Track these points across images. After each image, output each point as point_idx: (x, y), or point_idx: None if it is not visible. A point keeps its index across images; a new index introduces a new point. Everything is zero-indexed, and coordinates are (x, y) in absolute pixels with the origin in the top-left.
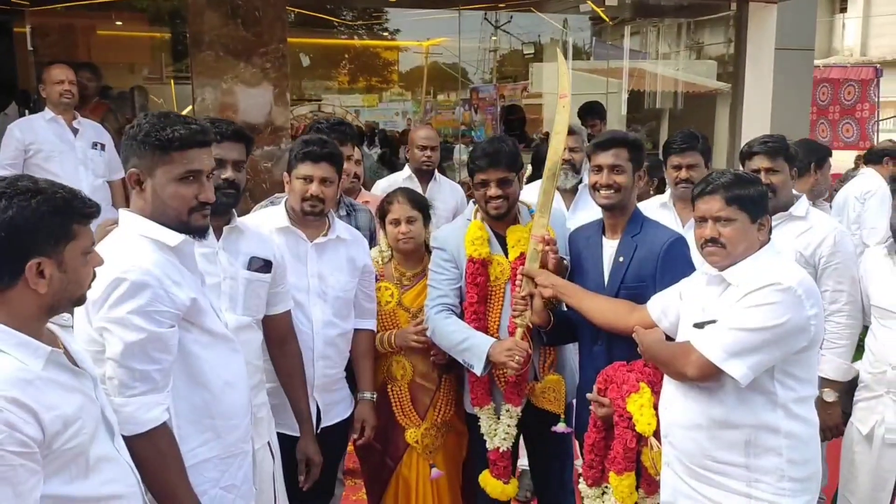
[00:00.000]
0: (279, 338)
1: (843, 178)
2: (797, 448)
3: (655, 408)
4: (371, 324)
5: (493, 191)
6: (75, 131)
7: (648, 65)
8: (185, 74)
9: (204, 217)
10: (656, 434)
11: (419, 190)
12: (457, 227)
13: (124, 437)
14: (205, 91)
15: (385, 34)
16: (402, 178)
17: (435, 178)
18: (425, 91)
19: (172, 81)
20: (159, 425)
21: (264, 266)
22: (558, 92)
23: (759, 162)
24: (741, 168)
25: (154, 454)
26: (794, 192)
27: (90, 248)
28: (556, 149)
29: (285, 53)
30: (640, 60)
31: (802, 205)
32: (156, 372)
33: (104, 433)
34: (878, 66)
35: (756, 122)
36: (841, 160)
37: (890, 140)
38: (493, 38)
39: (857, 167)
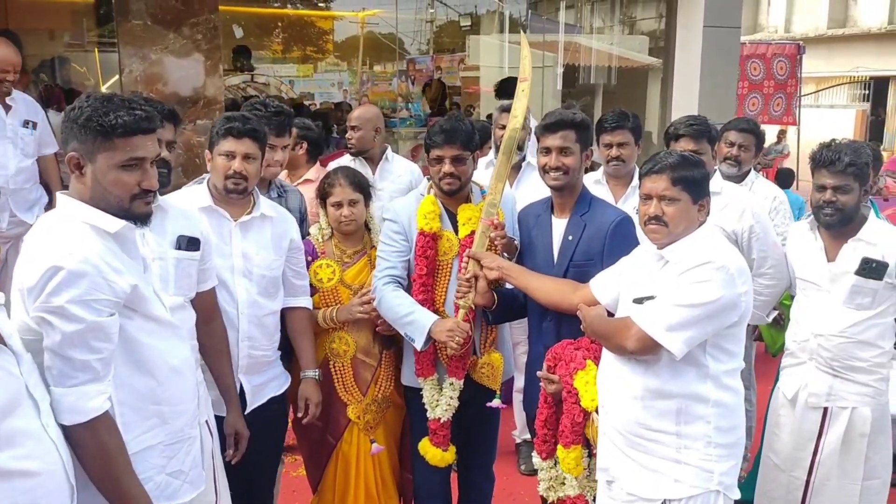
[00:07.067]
0: (206, 315)
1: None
2: (724, 416)
3: None
4: (305, 301)
5: (447, 167)
6: (7, 108)
7: (583, 39)
8: (109, 41)
9: (147, 204)
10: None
11: (368, 171)
12: (410, 200)
13: (64, 427)
14: (133, 62)
15: (320, 3)
16: (348, 161)
17: (386, 158)
18: (361, 62)
19: (97, 49)
20: (100, 414)
21: (192, 244)
22: (520, 76)
23: (685, 144)
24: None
25: (96, 443)
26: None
27: None
28: (513, 130)
29: (217, 24)
30: (574, 35)
31: (717, 180)
32: (96, 361)
33: (29, 409)
34: (801, 42)
35: (685, 97)
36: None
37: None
38: (431, 9)
39: (779, 141)
